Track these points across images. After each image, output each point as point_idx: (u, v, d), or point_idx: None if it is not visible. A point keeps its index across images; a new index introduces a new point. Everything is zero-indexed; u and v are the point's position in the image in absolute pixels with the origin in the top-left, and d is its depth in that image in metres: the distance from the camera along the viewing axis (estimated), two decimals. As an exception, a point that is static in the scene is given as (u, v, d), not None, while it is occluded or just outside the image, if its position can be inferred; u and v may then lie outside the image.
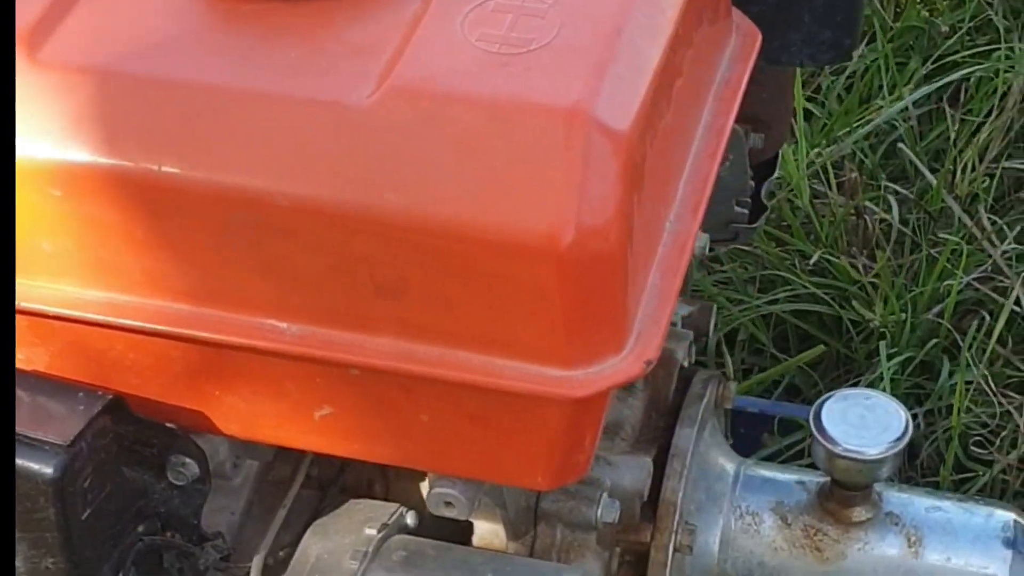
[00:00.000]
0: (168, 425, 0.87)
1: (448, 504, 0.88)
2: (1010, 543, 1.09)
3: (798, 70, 1.47)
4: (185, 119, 0.77)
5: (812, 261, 1.46)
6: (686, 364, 1.12)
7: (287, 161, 0.76)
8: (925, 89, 1.59)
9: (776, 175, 1.30)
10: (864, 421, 1.08)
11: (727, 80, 0.95)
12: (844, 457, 1.06)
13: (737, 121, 1.26)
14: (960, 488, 1.30)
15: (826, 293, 1.47)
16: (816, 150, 1.54)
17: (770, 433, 1.42)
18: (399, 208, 0.75)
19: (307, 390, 0.83)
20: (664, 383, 1.11)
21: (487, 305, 0.77)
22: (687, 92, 0.89)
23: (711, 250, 1.57)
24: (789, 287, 1.48)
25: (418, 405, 0.82)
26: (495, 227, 0.75)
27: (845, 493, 1.10)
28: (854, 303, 1.44)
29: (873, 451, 1.06)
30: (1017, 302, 1.42)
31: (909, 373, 1.40)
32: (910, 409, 1.40)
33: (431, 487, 0.88)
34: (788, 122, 1.26)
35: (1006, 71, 1.61)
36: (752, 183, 1.31)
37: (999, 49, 1.66)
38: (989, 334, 1.47)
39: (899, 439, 1.06)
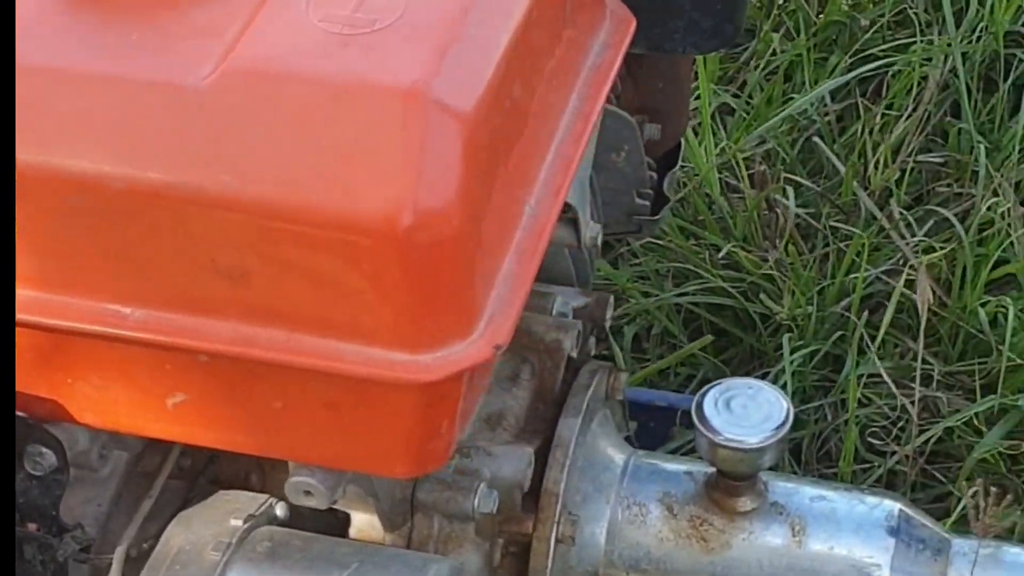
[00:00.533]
0: (22, 415, 0.86)
1: (307, 493, 0.87)
2: (894, 532, 1.09)
3: (701, 60, 1.48)
4: (21, 101, 0.76)
5: (722, 254, 1.45)
6: (574, 355, 1.11)
7: (124, 143, 0.75)
8: (835, 82, 1.58)
9: (678, 167, 1.30)
10: (746, 411, 1.07)
11: (597, 66, 0.94)
12: (725, 447, 1.06)
13: (633, 112, 1.27)
14: (859, 478, 1.30)
15: (736, 286, 1.47)
16: (733, 143, 1.54)
17: (679, 426, 1.42)
18: (236, 190, 0.74)
19: (157, 377, 0.82)
20: (551, 374, 1.10)
21: (329, 289, 0.76)
22: (551, 76, 0.88)
23: (627, 244, 1.58)
24: (700, 280, 1.48)
25: (270, 392, 0.81)
26: (333, 210, 0.74)
27: (730, 483, 1.09)
28: (761, 296, 1.43)
29: (754, 440, 1.05)
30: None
31: (815, 365, 1.40)
32: (816, 401, 1.40)
33: (290, 476, 0.87)
34: (686, 113, 1.26)
35: (922, 64, 1.61)
36: (654, 175, 1.31)
37: (919, 42, 1.65)
38: (898, 326, 1.47)
39: (780, 427, 1.06)
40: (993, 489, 1.05)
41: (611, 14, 0.97)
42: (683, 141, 1.28)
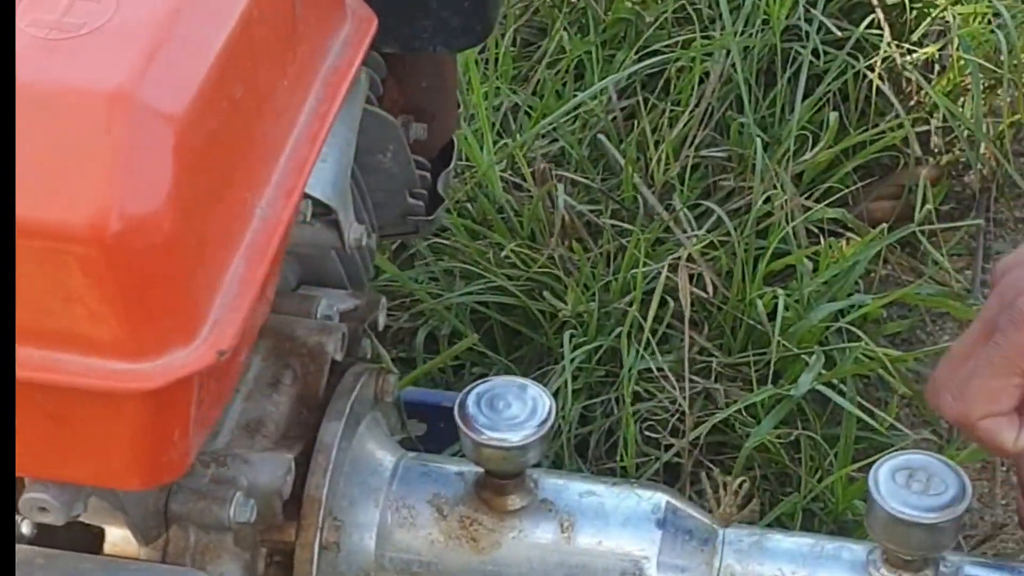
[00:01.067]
0: None
1: (42, 510, 0.85)
2: (661, 523, 1.10)
3: (493, 59, 1.47)
4: None
5: (504, 253, 1.46)
6: (339, 358, 1.10)
7: None
8: (613, 78, 1.59)
9: (453, 166, 1.30)
10: (510, 409, 1.07)
11: (336, 66, 0.93)
12: (489, 446, 1.06)
13: (398, 112, 1.26)
14: (643, 472, 1.31)
15: (522, 285, 1.47)
16: (515, 142, 1.54)
17: (468, 427, 1.41)
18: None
19: None
20: (314, 378, 1.09)
21: (43, 298, 0.74)
22: (284, 76, 0.87)
23: (414, 245, 1.57)
24: (486, 280, 1.48)
25: (-7, 405, 0.79)
26: (42, 219, 0.72)
27: (498, 482, 1.09)
28: (545, 294, 1.44)
29: (517, 438, 1.05)
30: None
31: (600, 361, 1.40)
32: (598, 397, 1.41)
33: (24, 492, 0.85)
34: (454, 112, 1.25)
35: (704, 60, 1.62)
36: (427, 174, 1.31)
37: (698, 38, 1.67)
38: (681, 319, 1.48)
39: (542, 424, 1.06)
40: (727, 479, 1.06)
41: (352, 13, 0.96)
42: (456, 140, 1.28)
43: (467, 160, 1.53)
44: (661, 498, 1.12)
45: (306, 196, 1.07)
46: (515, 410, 1.07)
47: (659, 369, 1.37)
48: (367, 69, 1.14)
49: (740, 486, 1.06)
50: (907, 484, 1.04)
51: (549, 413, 1.07)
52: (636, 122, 1.67)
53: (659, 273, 1.45)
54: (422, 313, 1.56)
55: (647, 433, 1.31)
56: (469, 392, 1.08)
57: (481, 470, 1.11)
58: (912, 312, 1.61)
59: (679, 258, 1.46)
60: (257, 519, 1.02)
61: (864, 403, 1.45)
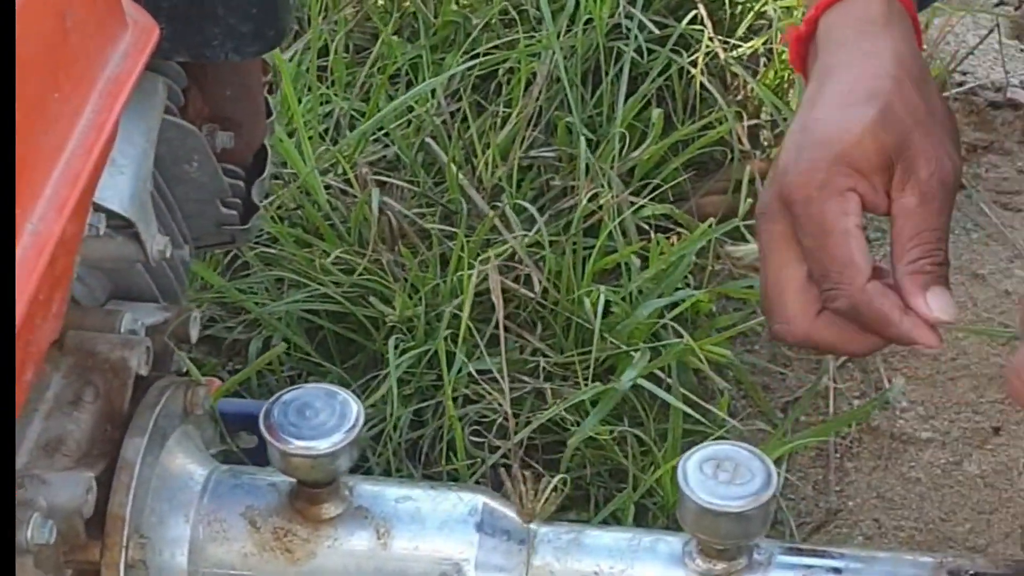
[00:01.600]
0: None
1: None
2: (479, 525, 1.09)
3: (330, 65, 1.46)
4: None
5: (331, 259, 1.44)
6: (144, 372, 1.09)
7: None
8: (434, 81, 1.59)
9: (267, 174, 1.28)
10: (318, 416, 1.06)
11: (115, 76, 0.92)
12: (296, 455, 1.05)
13: (203, 121, 1.25)
14: (471, 474, 1.30)
15: (350, 291, 1.46)
16: (334, 147, 1.53)
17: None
18: None
19: None
20: (118, 394, 1.07)
21: None
22: (55, 89, 0.86)
23: (237, 251, 1.56)
24: (312, 288, 1.47)
25: None
26: None
27: (311, 491, 1.08)
28: (372, 300, 1.43)
29: (324, 445, 1.05)
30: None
31: (430, 365, 1.40)
32: (427, 400, 1.41)
33: None
34: (263, 119, 1.24)
35: (531, 60, 1.63)
36: (240, 183, 1.30)
37: (529, 38, 1.67)
38: (515, 320, 1.48)
39: (350, 431, 1.05)
40: (527, 473, 1.06)
41: (133, 24, 0.95)
42: (268, 147, 1.26)
43: (290, 167, 1.51)
44: (478, 500, 1.12)
45: (99, 209, 1.06)
46: (323, 417, 1.06)
47: (485, 371, 1.37)
48: (164, 79, 1.12)
49: (540, 481, 1.06)
50: (714, 475, 1.05)
51: (357, 419, 1.06)
52: (469, 125, 1.67)
53: (488, 275, 1.45)
54: (257, 323, 1.54)
55: (473, 438, 1.31)
56: (275, 401, 1.07)
57: (294, 480, 1.10)
58: (746, 306, 1.62)
59: (508, 259, 1.46)
60: (59, 540, 1.00)
61: (693, 397, 1.46)
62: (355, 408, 1.06)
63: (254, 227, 1.31)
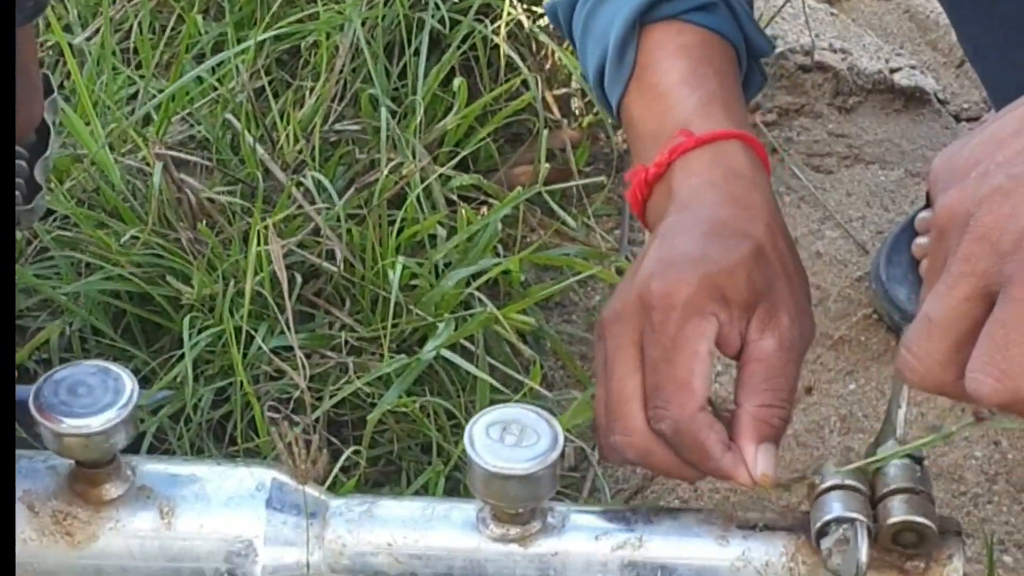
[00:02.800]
0: None
1: None
2: (267, 502, 1.07)
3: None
4: None
5: (125, 239, 1.41)
6: None
7: None
8: (229, 53, 1.56)
9: (49, 153, 1.25)
10: (91, 393, 1.03)
11: None
12: (68, 434, 1.01)
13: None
14: (275, 451, 1.27)
15: (150, 272, 1.42)
16: (127, 125, 1.50)
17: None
18: None
19: None
20: None
21: None
22: None
23: (32, 235, 1.51)
24: (110, 270, 1.43)
25: None
26: None
27: (90, 472, 1.05)
28: (169, 279, 1.39)
29: (98, 423, 1.01)
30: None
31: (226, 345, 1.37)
32: (230, 379, 1.38)
33: None
34: (38, 96, 1.19)
35: (331, 33, 1.60)
36: (24, 163, 1.26)
37: (330, 10, 1.64)
38: (319, 295, 1.46)
39: (124, 406, 1.02)
40: (304, 436, 1.04)
41: None
42: (51, 126, 1.23)
43: (80, 147, 1.47)
44: (267, 475, 1.09)
45: None
46: (96, 395, 1.03)
47: (289, 348, 1.34)
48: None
49: (304, 441, 1.04)
50: (501, 438, 1.03)
51: (131, 396, 1.03)
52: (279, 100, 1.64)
53: (291, 250, 1.42)
54: (63, 311, 1.50)
55: (277, 415, 1.28)
56: (46, 380, 1.04)
57: (72, 462, 1.07)
58: (560, 276, 1.61)
59: (313, 233, 1.44)
60: None
61: (505, 368, 1.44)
62: (129, 385, 1.03)
63: (38, 207, 1.27)
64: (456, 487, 1.38)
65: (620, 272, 1.66)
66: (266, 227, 1.34)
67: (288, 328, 1.29)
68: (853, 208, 1.74)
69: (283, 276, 1.24)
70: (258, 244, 1.39)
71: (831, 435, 1.56)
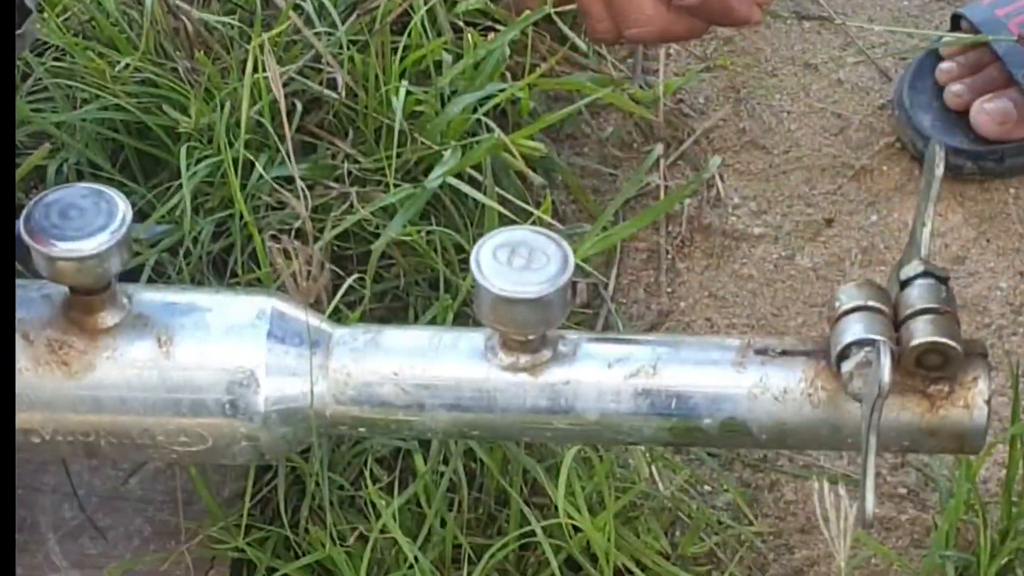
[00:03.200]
0: None
1: None
2: (268, 330, 1.03)
3: None
4: None
5: (119, 68, 1.36)
6: None
7: None
8: None
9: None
10: (83, 216, 0.99)
11: None
12: (61, 258, 0.98)
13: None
14: (277, 283, 1.23)
15: (147, 102, 1.38)
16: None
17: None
18: None
19: None
20: None
21: None
22: None
23: (29, 72, 1.46)
24: (107, 100, 1.38)
25: None
26: None
27: (85, 299, 1.01)
28: (166, 108, 1.35)
29: (90, 246, 0.97)
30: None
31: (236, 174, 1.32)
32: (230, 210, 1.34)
33: None
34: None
35: None
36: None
37: None
38: (322, 126, 1.41)
39: (118, 229, 0.98)
40: (305, 251, 1.00)
41: None
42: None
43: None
44: (266, 303, 1.05)
45: None
46: (89, 218, 0.99)
47: (291, 179, 1.30)
48: None
49: (305, 260, 1.00)
50: (509, 261, 0.99)
51: (124, 218, 0.99)
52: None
53: (291, 78, 1.37)
54: (59, 146, 1.46)
55: (272, 245, 1.24)
56: (36, 203, 1.00)
57: (67, 289, 1.03)
58: (571, 105, 1.56)
59: (314, 60, 1.39)
60: None
61: (514, 199, 1.40)
62: (122, 207, 0.99)
63: (28, 33, 1.22)
64: (465, 323, 1.34)
65: (634, 100, 1.61)
66: (262, 49, 1.29)
67: (289, 157, 1.25)
68: (875, 34, 1.68)
69: (281, 100, 1.19)
70: (256, 72, 1.33)
71: (852, 268, 1.52)
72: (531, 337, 1.02)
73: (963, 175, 1.57)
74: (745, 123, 1.63)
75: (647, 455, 1.31)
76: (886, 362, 0.92)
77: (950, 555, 1.24)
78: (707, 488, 1.37)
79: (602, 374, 1.03)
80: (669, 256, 1.54)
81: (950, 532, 1.24)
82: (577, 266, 1.44)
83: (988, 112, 1.54)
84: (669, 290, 1.53)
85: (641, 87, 1.63)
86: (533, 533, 1.22)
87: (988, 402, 1.00)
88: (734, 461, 1.40)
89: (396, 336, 1.05)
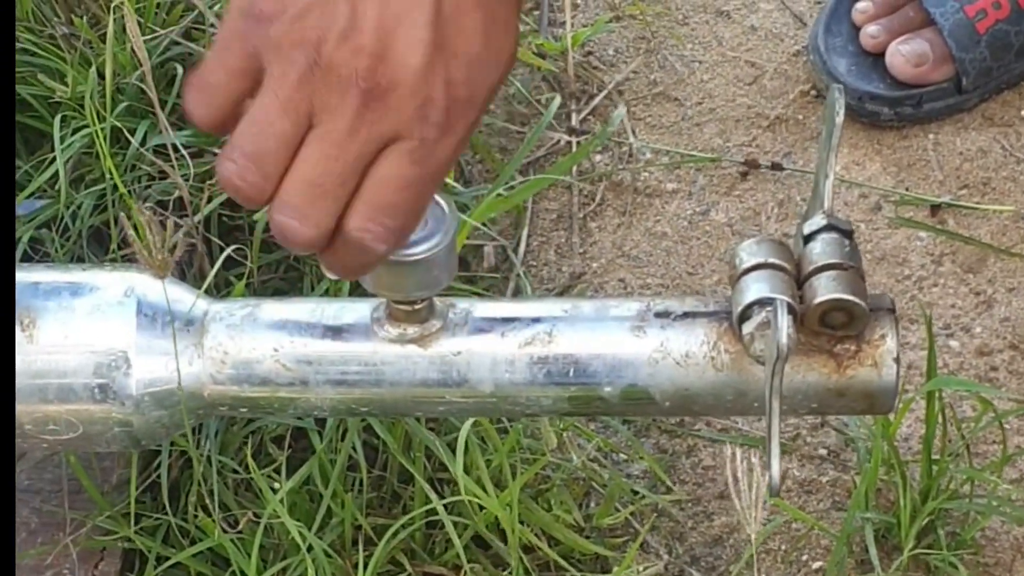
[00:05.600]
0: None
1: None
2: (138, 308, 0.97)
3: None
4: None
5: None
6: None
7: None
8: None
9: None
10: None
11: None
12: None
13: None
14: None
15: (20, 71, 1.31)
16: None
17: None
18: None
19: None
20: None
21: None
22: None
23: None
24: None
25: None
26: None
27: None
28: (42, 77, 1.28)
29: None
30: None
31: (112, 144, 1.26)
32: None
33: None
34: None
35: None
36: None
37: None
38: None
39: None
40: (158, 221, 0.94)
41: None
42: None
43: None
44: (135, 279, 0.99)
45: None
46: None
47: (175, 148, 1.24)
48: None
49: (157, 223, 0.94)
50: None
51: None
52: None
53: (174, 42, 1.31)
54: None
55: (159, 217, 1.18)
56: None
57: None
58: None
59: (196, 22, 1.32)
60: None
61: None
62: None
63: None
64: (365, 294, 1.29)
65: (541, 54, 1.56)
66: (158, 21, 1.22)
67: (165, 126, 1.18)
68: (788, -22, 1.63)
69: (147, 64, 1.12)
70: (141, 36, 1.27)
71: (768, 222, 1.47)
72: (418, 306, 0.96)
73: (880, 122, 1.52)
74: (656, 74, 1.58)
75: (558, 424, 1.26)
76: (783, 322, 0.87)
77: (870, 517, 1.19)
78: (622, 456, 1.32)
79: (495, 343, 0.98)
80: (581, 216, 1.49)
81: (869, 493, 1.20)
82: (483, 229, 1.39)
83: (904, 54, 1.49)
84: (581, 251, 1.47)
85: (548, 40, 1.57)
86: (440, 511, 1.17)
87: (897, 360, 0.95)
88: (650, 427, 1.35)
89: (276, 309, 0.99)
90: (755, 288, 0.94)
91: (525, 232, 1.47)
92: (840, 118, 0.96)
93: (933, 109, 1.51)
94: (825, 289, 0.93)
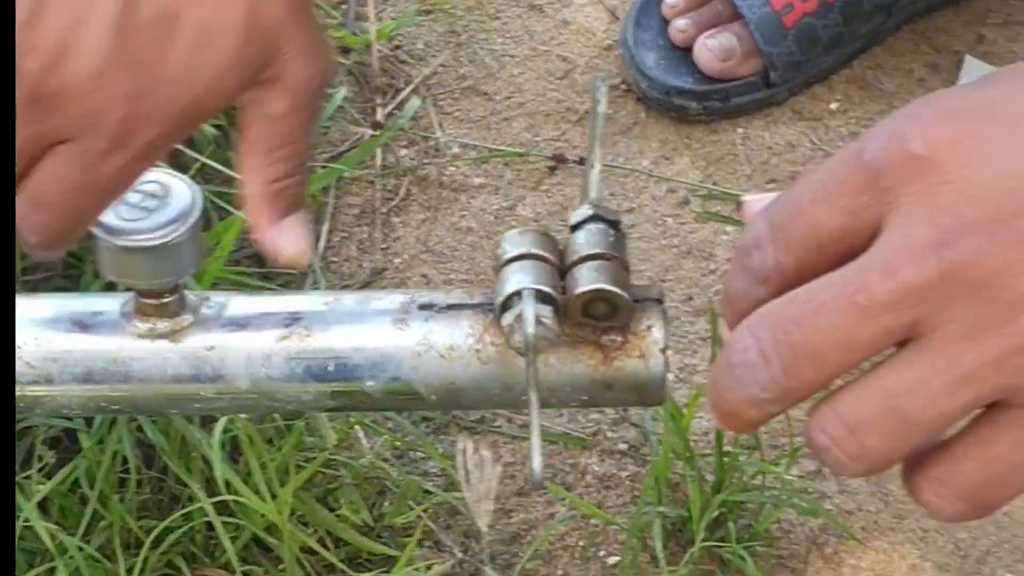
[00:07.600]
0: None
1: None
2: None
3: None
4: None
5: None
6: None
7: None
8: None
9: None
10: None
11: None
12: None
13: None
14: None
15: None
16: None
17: None
18: None
19: None
20: None
21: None
22: None
23: None
24: None
25: None
26: None
27: None
28: None
29: None
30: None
31: None
32: None
33: None
34: None
35: None
36: None
37: None
38: None
39: None
40: None
41: None
42: None
43: None
44: None
45: None
46: None
47: None
48: None
49: None
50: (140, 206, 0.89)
51: None
52: None
53: None
54: None
55: None
56: None
57: None
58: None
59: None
60: None
61: (185, 150, 1.30)
62: None
63: None
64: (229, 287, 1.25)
65: (345, 50, 1.52)
66: None
67: None
68: (600, -28, 1.61)
69: None
70: None
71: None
72: (167, 299, 0.92)
73: (689, 116, 1.50)
74: (466, 68, 1.55)
75: (346, 422, 1.22)
76: (529, 312, 0.84)
77: (662, 511, 1.17)
78: (419, 454, 1.29)
79: (250, 338, 0.93)
80: (384, 211, 1.46)
81: (662, 487, 1.18)
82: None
83: (711, 48, 1.48)
84: (384, 247, 1.44)
85: (355, 34, 1.54)
86: (220, 512, 1.13)
87: (664, 350, 0.92)
88: (449, 425, 1.33)
89: (20, 306, 0.95)
90: (515, 279, 0.91)
91: (325, 227, 1.43)
92: (603, 108, 0.93)
93: (741, 103, 1.50)
94: (586, 279, 0.90)
